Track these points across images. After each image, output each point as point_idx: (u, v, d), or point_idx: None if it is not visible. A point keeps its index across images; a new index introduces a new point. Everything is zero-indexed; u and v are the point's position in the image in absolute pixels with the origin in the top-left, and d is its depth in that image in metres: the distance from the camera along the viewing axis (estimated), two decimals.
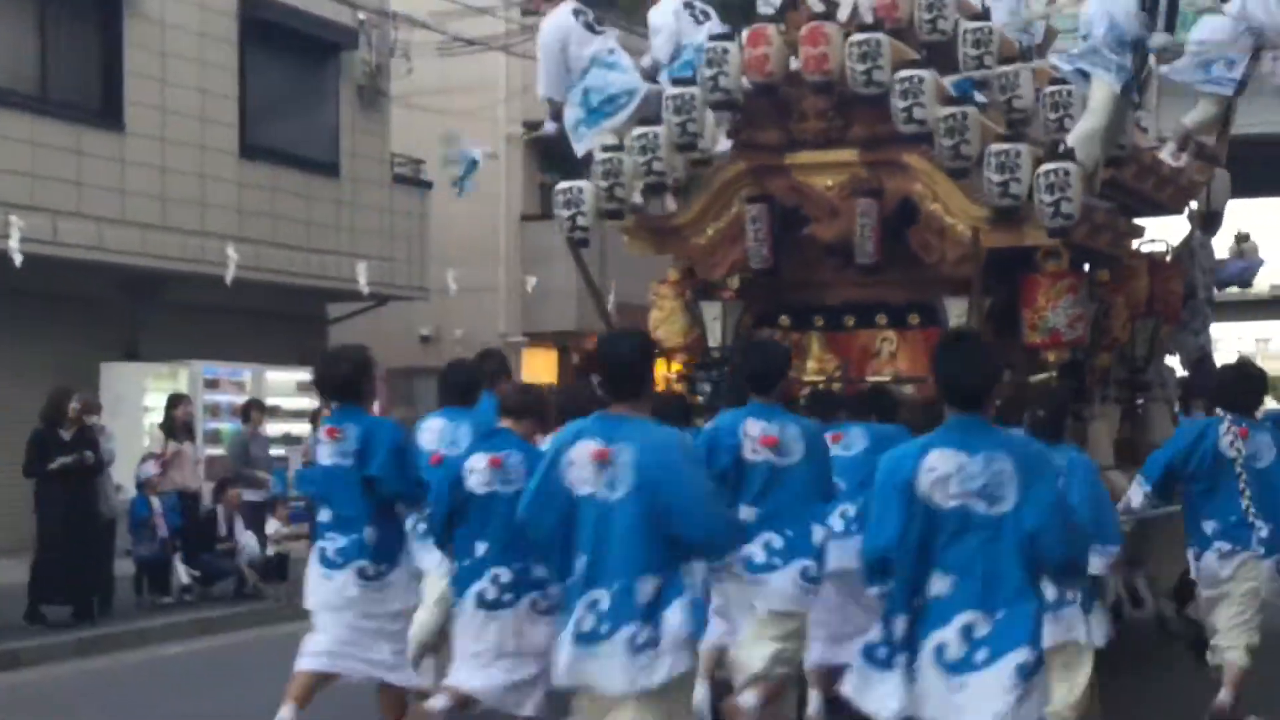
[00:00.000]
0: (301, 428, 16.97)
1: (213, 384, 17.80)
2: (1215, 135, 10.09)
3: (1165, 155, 9.79)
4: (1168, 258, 10.19)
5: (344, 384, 7.05)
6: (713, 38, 8.55)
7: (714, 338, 9.21)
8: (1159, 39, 8.65)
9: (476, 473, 6.31)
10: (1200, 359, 10.72)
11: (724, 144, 9.04)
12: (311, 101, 20.29)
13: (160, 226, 17.54)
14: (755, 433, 6.63)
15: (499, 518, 6.19)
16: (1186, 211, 10.63)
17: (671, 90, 8.56)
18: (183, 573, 13.44)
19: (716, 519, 4.89)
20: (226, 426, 17.05)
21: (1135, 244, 9.70)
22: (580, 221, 9.14)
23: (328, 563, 6.86)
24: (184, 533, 13.56)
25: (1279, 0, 9.27)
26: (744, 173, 8.85)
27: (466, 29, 22.17)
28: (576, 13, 9.45)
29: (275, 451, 15.75)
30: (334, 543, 6.86)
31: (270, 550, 13.95)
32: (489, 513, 6.28)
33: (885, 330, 8.94)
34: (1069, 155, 7.73)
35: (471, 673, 6.42)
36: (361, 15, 20.63)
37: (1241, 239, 12.74)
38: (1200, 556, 7.40)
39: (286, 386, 18.44)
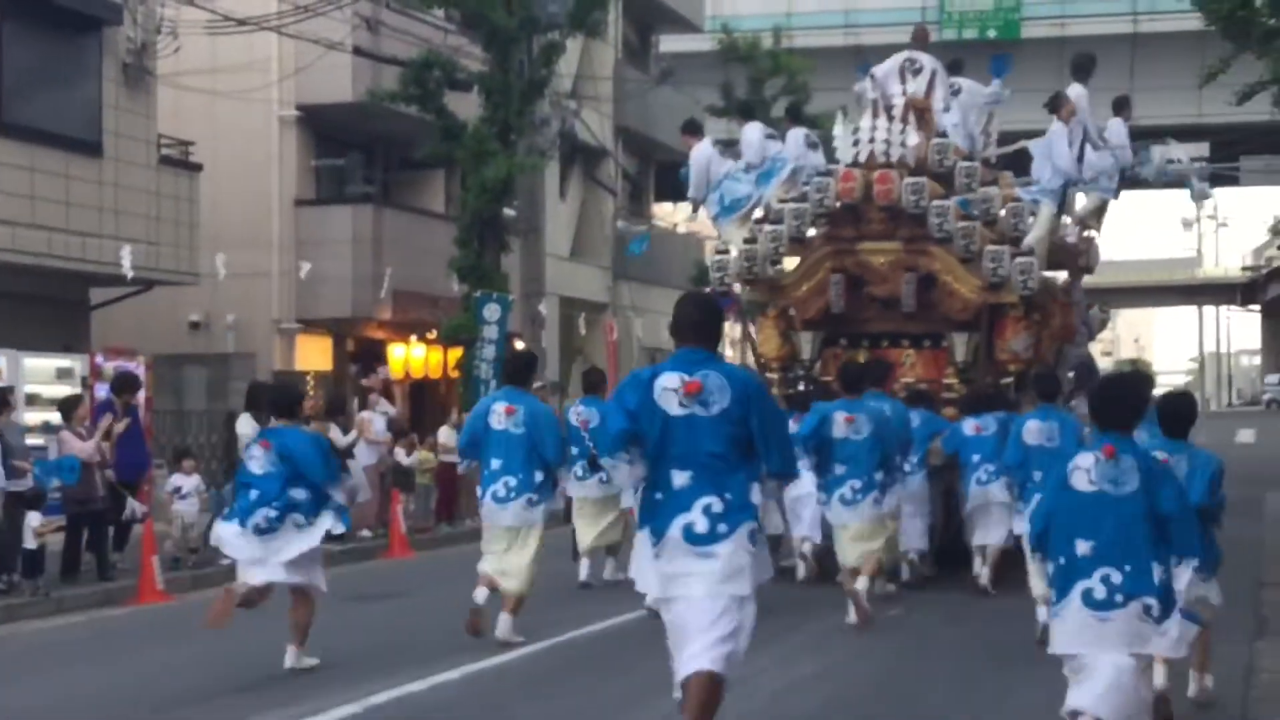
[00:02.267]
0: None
1: None
2: (1098, 220, 16.16)
3: (1068, 232, 15.65)
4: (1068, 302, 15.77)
5: (518, 371, 10.77)
6: (819, 173, 14.70)
7: (807, 353, 14.98)
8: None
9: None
10: (1082, 364, 15.94)
11: (811, 231, 14.78)
12: (72, 78, 19.54)
13: None
14: (840, 418, 11.14)
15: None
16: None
17: (792, 205, 14.56)
18: None
19: (790, 449, 6.39)
20: None
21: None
22: (726, 280, 14.94)
23: (499, 499, 10.19)
24: None
25: (1131, 148, 15.72)
26: (829, 253, 14.63)
27: (237, 7, 21.62)
28: (715, 142, 15.94)
29: (33, 441, 15.09)
30: (506, 484, 10.15)
31: (33, 544, 13.31)
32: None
33: (908, 350, 14.68)
34: (1030, 251, 14.09)
35: None
36: None
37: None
38: None
39: (46, 373, 17.72)
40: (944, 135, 14.66)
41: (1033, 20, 45.40)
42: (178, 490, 15.07)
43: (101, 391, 16.09)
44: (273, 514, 9.37)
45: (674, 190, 42.87)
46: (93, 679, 9.94)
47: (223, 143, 23.40)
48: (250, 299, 23.65)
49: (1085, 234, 16.02)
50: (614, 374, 31.28)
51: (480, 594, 10.13)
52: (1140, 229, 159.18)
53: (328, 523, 9.55)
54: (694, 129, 15.67)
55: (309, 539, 9.48)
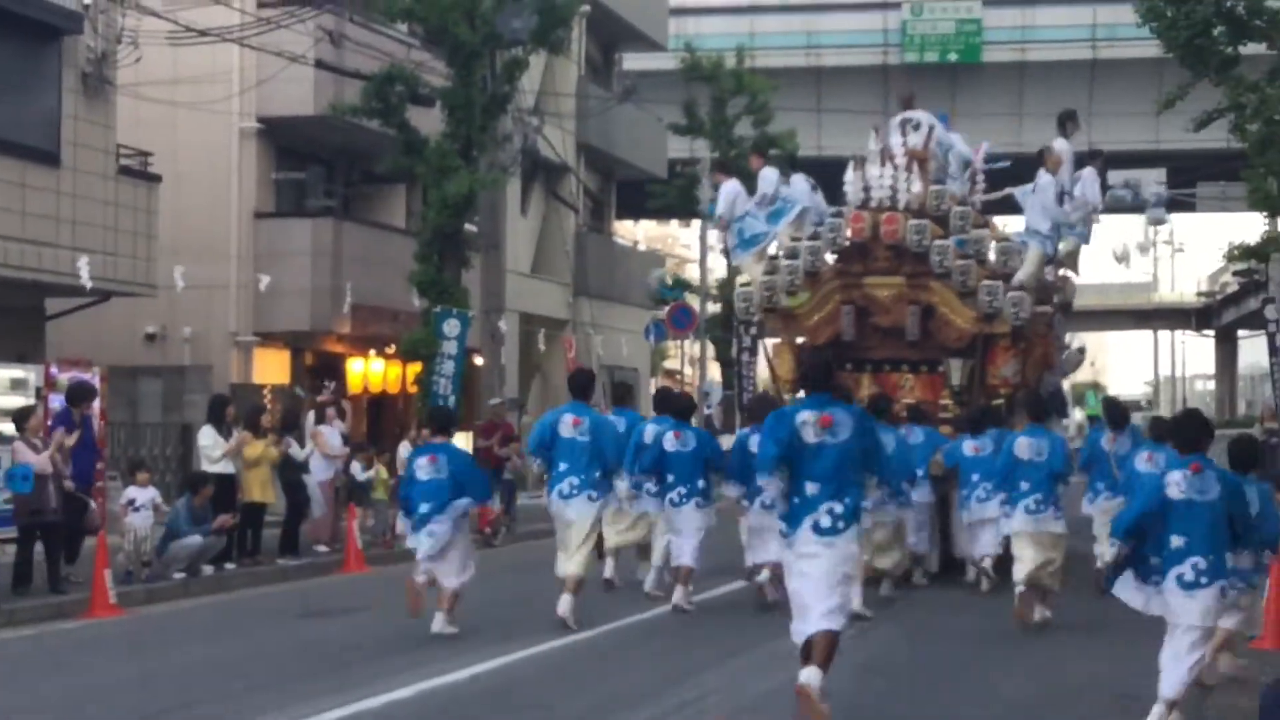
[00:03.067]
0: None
1: None
2: (1073, 261, 17.75)
3: (1047, 272, 16.71)
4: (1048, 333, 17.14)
5: (582, 388, 12.40)
6: (832, 214, 16.44)
7: None
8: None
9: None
10: (1055, 391, 17.84)
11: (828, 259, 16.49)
12: (31, 87, 19.40)
13: None
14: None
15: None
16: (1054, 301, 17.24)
17: (806, 242, 16.33)
18: None
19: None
20: None
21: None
22: (750, 309, 16.80)
23: (564, 495, 11.88)
24: None
25: (1094, 189, 16.63)
26: (839, 286, 16.23)
27: (199, 18, 21.54)
28: (743, 182, 17.99)
29: None
30: (571, 483, 11.81)
31: None
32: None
33: (908, 374, 16.21)
34: (1022, 287, 15.65)
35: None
36: None
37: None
38: None
39: (0, 384, 17.54)
40: (941, 183, 16.37)
41: (993, 45, 45.68)
42: (131, 503, 14.94)
43: (56, 402, 15.95)
44: (442, 518, 11.41)
45: (635, 207, 42.95)
46: (39, 693, 9.83)
47: (183, 154, 23.29)
48: (208, 311, 23.53)
49: (1062, 273, 17.55)
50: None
51: (564, 604, 11.73)
52: (1098, 254, 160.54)
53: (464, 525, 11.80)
54: (727, 168, 18.78)
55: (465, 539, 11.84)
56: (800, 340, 16.45)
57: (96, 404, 16.17)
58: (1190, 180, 36.37)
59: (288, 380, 24.61)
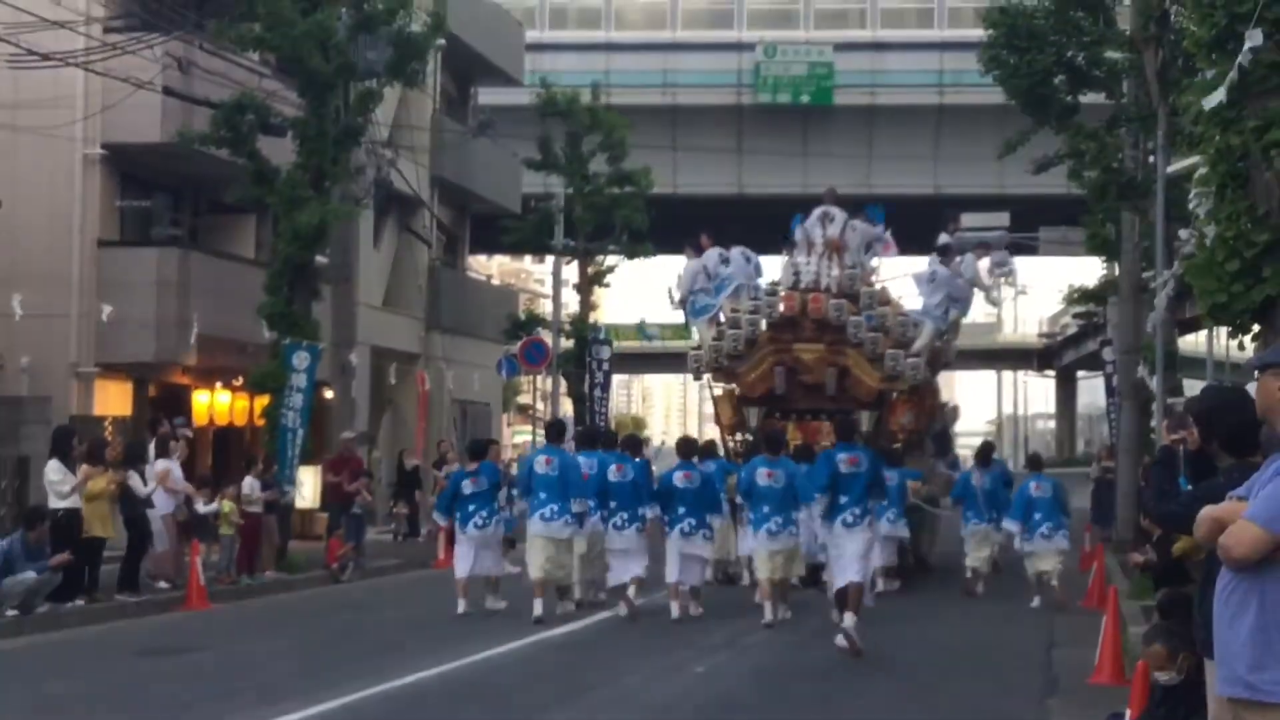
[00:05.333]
0: None
1: None
2: (954, 331, 22.20)
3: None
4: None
5: (554, 433, 16.73)
6: (767, 291, 20.51)
7: (751, 422, 20.58)
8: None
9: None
10: (943, 431, 23.48)
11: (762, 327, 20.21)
12: None
13: None
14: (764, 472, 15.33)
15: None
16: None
17: (747, 315, 20.05)
18: None
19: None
20: None
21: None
22: (699, 368, 20.46)
23: (546, 519, 15.00)
24: None
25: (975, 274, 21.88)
26: (772, 350, 19.89)
27: (43, 41, 21.04)
28: (703, 264, 20.84)
29: None
30: (551, 509, 15.01)
31: None
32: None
33: (825, 422, 18.91)
34: (918, 354, 19.70)
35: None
36: None
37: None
38: None
39: None
40: (853, 268, 20.20)
41: (844, 88, 46.43)
42: None
43: None
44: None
45: (488, 242, 42.84)
46: None
47: (23, 179, 22.71)
48: (47, 341, 22.90)
49: (943, 339, 21.38)
50: (423, 424, 31.09)
51: (537, 605, 14.82)
52: None
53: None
54: (699, 248, 20.99)
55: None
56: (737, 391, 20.29)
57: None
58: (1033, 224, 37.24)
59: (129, 412, 24.06)
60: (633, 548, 15.57)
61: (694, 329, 21.41)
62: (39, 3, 20.06)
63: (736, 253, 21.03)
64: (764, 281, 20.95)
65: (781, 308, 19.82)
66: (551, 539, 15.07)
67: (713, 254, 20.93)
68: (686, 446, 17.17)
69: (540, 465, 15.23)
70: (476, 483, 16.03)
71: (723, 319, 20.31)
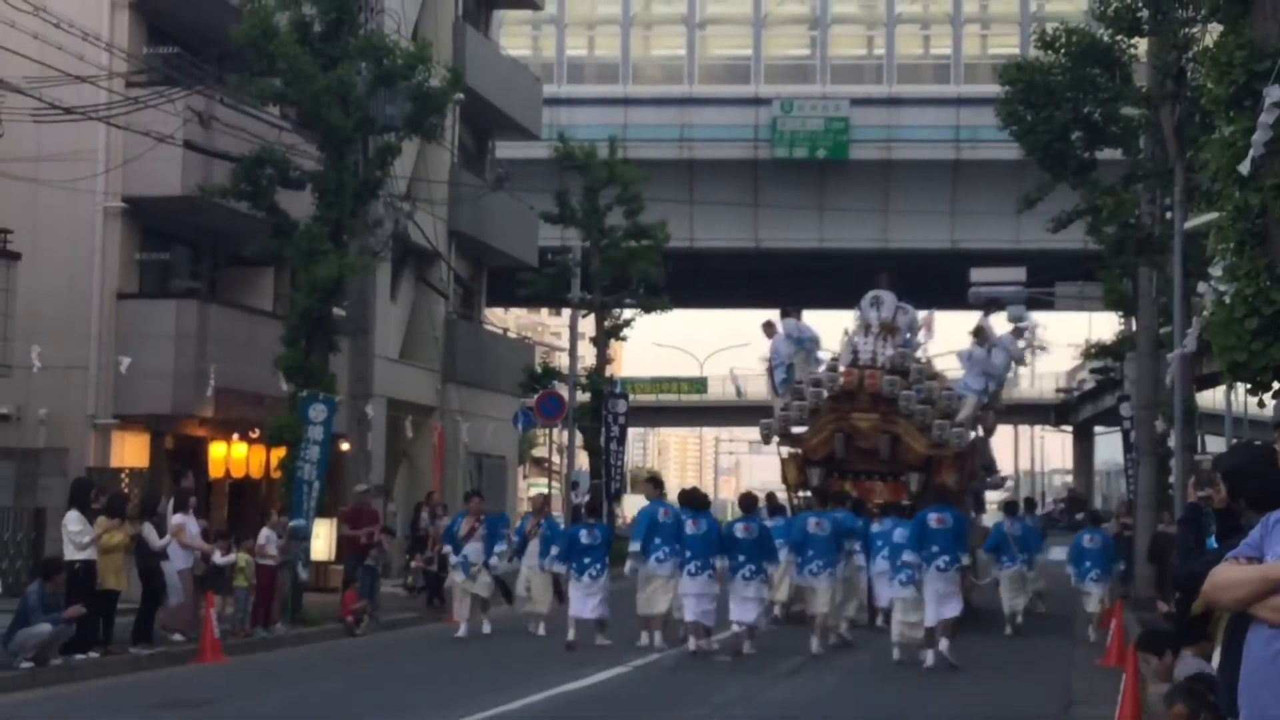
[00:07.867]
0: None
1: None
2: (995, 400, 24.77)
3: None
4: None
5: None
6: (828, 369, 23.59)
7: (813, 481, 22.70)
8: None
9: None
10: (978, 492, 26.50)
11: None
12: None
13: None
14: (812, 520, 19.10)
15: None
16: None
17: (810, 388, 22.84)
18: None
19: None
20: None
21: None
22: (769, 433, 24.00)
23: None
24: None
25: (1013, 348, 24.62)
26: (832, 419, 22.79)
27: (65, 95, 21.20)
28: (786, 337, 24.32)
29: None
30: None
31: None
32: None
33: (878, 482, 22.68)
34: (962, 425, 22.81)
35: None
36: None
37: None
38: None
39: None
40: (904, 347, 23.18)
41: (860, 142, 46.60)
42: None
43: None
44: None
45: (505, 294, 42.95)
46: None
47: (44, 232, 22.84)
48: (65, 393, 22.96)
49: (984, 410, 23.94)
50: (439, 477, 31.05)
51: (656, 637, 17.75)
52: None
53: None
54: (770, 326, 24.57)
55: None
56: (801, 453, 23.15)
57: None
58: (1049, 279, 37.31)
59: (146, 464, 24.09)
60: (705, 592, 17.39)
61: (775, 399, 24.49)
62: (62, 57, 20.23)
63: (782, 340, 24.21)
64: (825, 354, 24.29)
65: (841, 381, 22.73)
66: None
67: (775, 341, 24.44)
68: (748, 501, 19.09)
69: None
70: (592, 535, 18.51)
71: (785, 394, 23.60)
